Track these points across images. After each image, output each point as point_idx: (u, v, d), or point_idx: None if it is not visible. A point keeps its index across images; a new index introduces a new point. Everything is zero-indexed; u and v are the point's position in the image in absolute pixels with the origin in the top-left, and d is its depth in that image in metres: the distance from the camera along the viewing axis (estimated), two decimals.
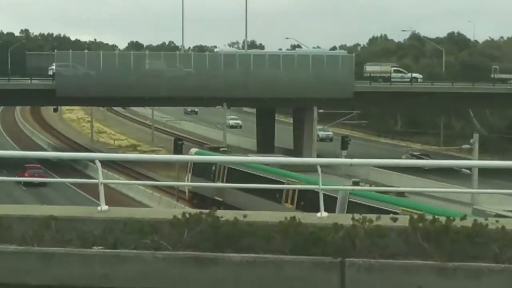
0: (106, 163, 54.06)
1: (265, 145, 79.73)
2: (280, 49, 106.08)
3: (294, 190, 44.57)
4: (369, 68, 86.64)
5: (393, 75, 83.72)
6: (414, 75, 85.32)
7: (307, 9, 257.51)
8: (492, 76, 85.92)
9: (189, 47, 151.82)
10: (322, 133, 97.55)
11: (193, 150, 59.33)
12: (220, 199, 50.57)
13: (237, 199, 47.22)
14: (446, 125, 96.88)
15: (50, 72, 72.69)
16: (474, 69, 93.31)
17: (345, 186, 40.52)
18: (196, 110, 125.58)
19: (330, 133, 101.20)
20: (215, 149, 58.46)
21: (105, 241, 8.50)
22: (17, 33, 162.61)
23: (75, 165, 71.01)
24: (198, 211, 8.68)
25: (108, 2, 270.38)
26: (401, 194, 35.51)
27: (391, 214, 8.89)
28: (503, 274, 7.70)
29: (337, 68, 74.92)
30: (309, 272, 7.90)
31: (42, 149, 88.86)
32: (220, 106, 74.93)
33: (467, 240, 8.06)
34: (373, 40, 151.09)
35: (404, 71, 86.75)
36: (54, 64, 72.54)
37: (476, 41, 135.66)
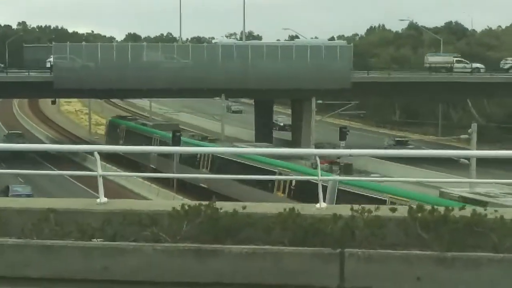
0: (104, 155, 54.05)
1: (264, 136, 79.75)
2: (278, 40, 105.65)
3: (208, 158, 47.11)
4: (431, 59, 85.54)
5: (456, 65, 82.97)
6: (476, 65, 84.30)
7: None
8: (501, 66, 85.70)
9: (187, 39, 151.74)
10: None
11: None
12: (205, 186, 51.02)
13: (228, 189, 47.87)
14: (444, 115, 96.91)
15: (48, 65, 72.61)
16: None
17: (343, 177, 40.77)
18: (241, 109, 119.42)
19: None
20: (204, 139, 60.32)
21: (105, 234, 8.51)
22: (14, 26, 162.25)
23: (73, 157, 71.03)
24: (197, 202, 8.69)
25: None
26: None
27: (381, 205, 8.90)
28: (502, 263, 7.71)
29: (335, 59, 74.91)
30: (309, 263, 7.92)
31: (40, 141, 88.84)
32: (218, 98, 74.97)
33: (466, 230, 8.08)
34: (371, 30, 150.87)
35: (466, 61, 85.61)
36: (52, 56, 72.47)
37: (474, 30, 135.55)
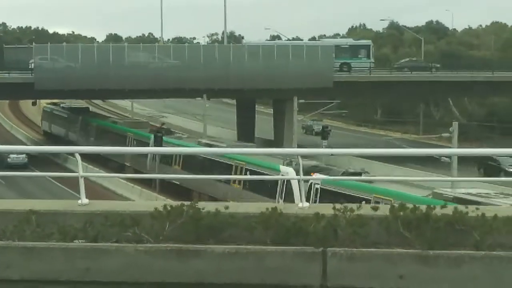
0: (86, 156, 53.91)
1: (246, 136, 79.72)
2: (268, 40, 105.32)
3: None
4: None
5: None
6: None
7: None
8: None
9: (168, 39, 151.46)
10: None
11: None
12: (177, 183, 52.97)
13: (190, 182, 52.03)
14: (425, 114, 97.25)
15: (31, 66, 72.18)
16: (453, 57, 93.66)
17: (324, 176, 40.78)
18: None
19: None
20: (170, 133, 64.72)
21: (86, 235, 8.49)
22: None
23: (55, 158, 70.75)
24: (179, 203, 8.68)
25: None
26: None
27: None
28: (483, 261, 7.75)
29: (316, 58, 74.96)
30: (291, 262, 7.93)
31: (21, 143, 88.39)
32: (200, 98, 74.91)
33: (448, 228, 8.11)
34: (352, 30, 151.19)
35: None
36: (43, 57, 72.02)
37: (454, 29, 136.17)
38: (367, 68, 78.60)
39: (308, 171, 37.74)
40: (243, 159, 48.22)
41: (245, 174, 48.07)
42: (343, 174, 41.39)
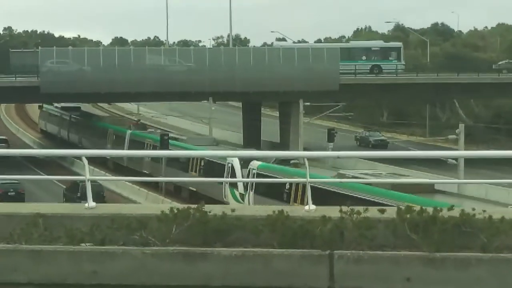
0: (92, 159, 54.01)
1: (251, 139, 79.69)
2: (271, 43, 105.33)
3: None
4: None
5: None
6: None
7: (291, 2, 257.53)
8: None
9: (174, 42, 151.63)
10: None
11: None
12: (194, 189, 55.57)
13: (160, 172, 56.76)
14: (432, 116, 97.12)
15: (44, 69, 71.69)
16: (458, 59, 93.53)
17: (332, 178, 40.80)
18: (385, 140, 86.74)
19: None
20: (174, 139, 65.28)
21: (93, 238, 8.50)
22: (0, 31, 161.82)
23: (61, 162, 70.88)
24: (186, 206, 8.70)
25: None
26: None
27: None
28: (491, 263, 7.74)
29: (322, 61, 74.88)
30: (298, 265, 7.93)
31: (28, 146, 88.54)
32: (206, 101, 74.95)
33: (455, 230, 8.11)
34: (357, 32, 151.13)
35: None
36: (49, 61, 72.01)
37: (460, 31, 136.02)
38: (397, 70, 78.03)
39: (247, 160, 45.92)
40: (177, 145, 52.97)
41: (201, 163, 53.57)
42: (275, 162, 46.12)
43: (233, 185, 48.92)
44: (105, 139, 74.95)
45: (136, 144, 67.30)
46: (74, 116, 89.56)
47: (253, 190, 46.13)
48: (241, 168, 48.21)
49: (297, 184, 41.15)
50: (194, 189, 54.40)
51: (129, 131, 71.94)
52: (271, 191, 46.32)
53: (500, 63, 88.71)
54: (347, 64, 75.94)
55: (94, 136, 79.30)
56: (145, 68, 72.18)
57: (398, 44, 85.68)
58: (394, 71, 78.35)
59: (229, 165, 49.53)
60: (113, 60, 72.08)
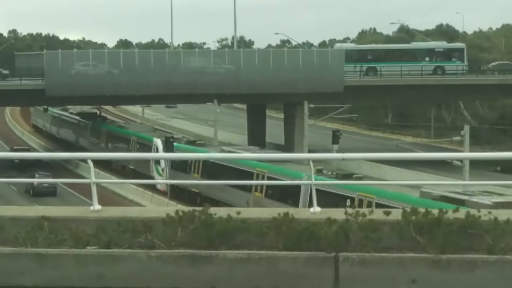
0: (97, 162, 54.05)
1: (256, 141, 79.65)
2: (278, 44, 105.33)
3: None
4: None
5: None
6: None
7: (295, 3, 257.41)
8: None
9: (179, 44, 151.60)
10: None
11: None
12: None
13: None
14: (436, 118, 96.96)
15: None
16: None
17: (336, 180, 40.78)
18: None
19: None
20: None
21: (99, 241, 8.50)
22: (5, 34, 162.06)
23: (66, 164, 70.92)
24: (191, 208, 8.69)
25: (96, 0, 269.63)
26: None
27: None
28: (496, 265, 7.73)
29: (326, 63, 74.85)
30: (303, 268, 7.92)
31: (33, 149, 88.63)
32: (211, 103, 74.94)
33: (460, 232, 8.09)
34: (362, 34, 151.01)
35: None
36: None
37: (465, 32, 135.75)
38: (461, 71, 77.62)
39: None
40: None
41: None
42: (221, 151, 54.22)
43: (157, 162, 60.86)
44: (78, 129, 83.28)
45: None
46: (53, 112, 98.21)
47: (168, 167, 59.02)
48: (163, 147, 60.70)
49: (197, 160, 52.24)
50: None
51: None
52: (181, 165, 56.78)
53: (491, 64, 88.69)
54: (411, 65, 75.73)
55: (68, 130, 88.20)
56: (150, 70, 72.14)
57: (462, 45, 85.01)
58: (457, 71, 77.85)
59: (155, 146, 63.59)
60: (118, 62, 72.14)
